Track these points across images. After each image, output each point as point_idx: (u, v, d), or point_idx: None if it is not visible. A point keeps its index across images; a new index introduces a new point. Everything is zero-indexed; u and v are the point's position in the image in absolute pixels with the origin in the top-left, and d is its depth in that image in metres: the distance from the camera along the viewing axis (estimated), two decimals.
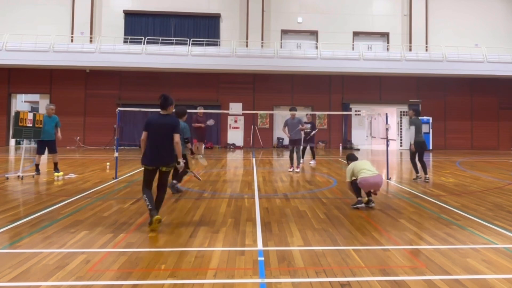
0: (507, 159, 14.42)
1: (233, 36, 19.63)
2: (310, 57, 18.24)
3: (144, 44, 17.74)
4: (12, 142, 18.39)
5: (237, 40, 19.45)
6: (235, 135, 19.48)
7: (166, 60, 17.49)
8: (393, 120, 19.72)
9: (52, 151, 8.95)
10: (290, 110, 10.06)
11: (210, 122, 13.03)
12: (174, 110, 6.88)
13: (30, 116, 8.36)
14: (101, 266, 3.37)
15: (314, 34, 20.44)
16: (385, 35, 20.68)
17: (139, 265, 3.42)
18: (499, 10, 20.75)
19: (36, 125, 8.53)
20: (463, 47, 19.13)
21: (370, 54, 18.68)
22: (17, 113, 8.15)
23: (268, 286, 3.01)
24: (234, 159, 13.79)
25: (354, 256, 3.68)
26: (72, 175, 8.76)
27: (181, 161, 4.80)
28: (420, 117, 8.84)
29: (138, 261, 3.51)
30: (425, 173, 8.58)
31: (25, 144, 9.60)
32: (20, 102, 23.61)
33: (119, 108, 8.43)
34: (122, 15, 19.57)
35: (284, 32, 20.34)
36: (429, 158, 14.45)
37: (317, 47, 19.12)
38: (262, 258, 3.59)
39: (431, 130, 18.84)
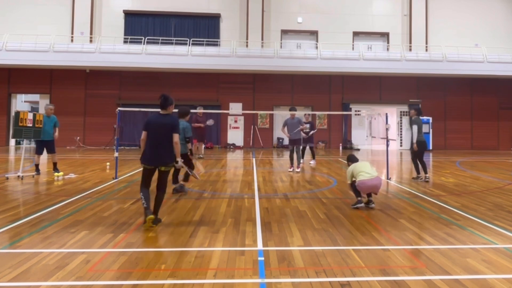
0: (507, 159, 14.42)
1: (233, 36, 19.63)
2: (310, 57, 18.23)
3: (144, 44, 17.74)
4: (12, 142, 18.38)
5: (237, 40, 19.45)
6: (235, 135, 19.48)
7: (166, 60, 17.49)
8: (393, 120, 19.72)
9: (51, 151, 8.95)
10: (290, 110, 10.06)
11: (210, 122, 13.04)
12: (177, 110, 6.94)
13: (30, 116, 8.36)
14: (101, 266, 3.37)
15: (314, 34, 20.44)
16: (385, 35, 20.68)
17: (139, 265, 3.42)
18: (499, 10, 20.75)
19: (36, 125, 8.54)
20: (463, 47, 19.13)
21: (370, 54, 18.68)
22: (17, 113, 8.15)
23: (268, 286, 3.01)
24: (234, 159, 13.79)
25: (354, 256, 3.68)
26: (72, 175, 8.76)
27: (180, 161, 4.82)
28: (420, 117, 8.85)
29: (138, 261, 3.51)
30: (425, 172, 8.59)
31: (25, 144, 9.60)
32: (20, 102, 23.61)
33: (119, 108, 8.43)
34: (122, 15, 19.57)
35: (284, 32, 20.34)
36: (429, 158, 14.45)
37: (317, 47, 19.12)
38: (262, 258, 3.59)
39: (431, 130, 18.84)
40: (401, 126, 19.96)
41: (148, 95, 18.35)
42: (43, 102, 18.51)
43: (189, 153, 6.75)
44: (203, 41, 19.05)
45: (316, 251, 3.82)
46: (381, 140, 22.62)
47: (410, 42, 20.00)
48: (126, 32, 19.38)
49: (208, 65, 17.77)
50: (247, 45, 19.28)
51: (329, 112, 16.51)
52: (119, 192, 6.92)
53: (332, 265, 3.44)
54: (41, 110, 17.89)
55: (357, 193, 5.76)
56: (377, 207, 5.83)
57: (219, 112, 17.96)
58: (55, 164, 8.96)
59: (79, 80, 18.74)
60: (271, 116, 19.72)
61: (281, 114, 18.63)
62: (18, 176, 8.17)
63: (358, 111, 19.71)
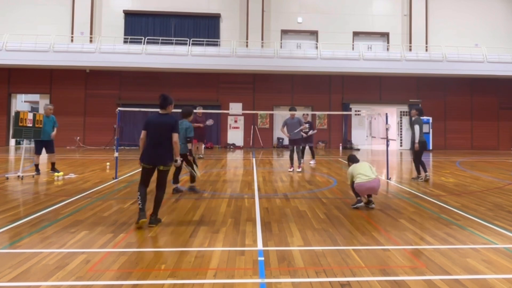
0: (507, 159, 14.42)
1: (233, 36, 19.63)
2: (310, 57, 18.23)
3: (144, 44, 17.74)
4: (12, 142, 18.38)
5: (237, 40, 19.45)
6: (235, 135, 19.48)
7: (166, 60, 17.49)
8: (393, 120, 19.73)
9: (50, 151, 8.96)
10: (290, 110, 10.06)
11: (209, 122, 13.03)
12: (180, 110, 6.96)
13: (30, 116, 8.36)
14: (101, 266, 3.37)
15: (314, 34, 20.44)
16: (385, 35, 20.68)
17: (139, 265, 3.42)
18: (499, 10, 20.75)
19: (36, 125, 8.54)
20: (463, 47, 19.13)
21: (370, 54, 18.68)
22: (17, 113, 8.15)
23: (268, 286, 3.01)
24: (234, 159, 13.79)
25: (354, 256, 3.68)
26: (72, 175, 8.76)
27: (179, 159, 4.84)
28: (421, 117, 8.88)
29: (138, 261, 3.51)
30: (425, 171, 8.59)
31: (25, 144, 9.60)
32: (20, 102, 23.60)
33: (119, 108, 8.43)
34: (122, 15, 19.57)
35: (284, 32, 20.34)
36: (429, 158, 14.45)
37: (317, 47, 19.12)
38: (262, 258, 3.59)
39: (431, 130, 18.85)
40: (401, 126, 19.97)
41: (148, 95, 18.35)
42: (43, 102, 18.50)
43: (188, 153, 6.75)
44: (203, 41, 19.05)
45: (316, 251, 3.82)
46: (381, 140, 22.62)
47: (410, 42, 20.00)
48: (126, 32, 19.38)
49: (208, 65, 17.77)
50: (247, 45, 19.28)
51: (329, 112, 16.49)
52: (119, 192, 6.92)
53: (332, 265, 3.44)
54: (41, 110, 17.88)
55: (357, 193, 5.77)
56: (377, 207, 5.83)
57: (219, 112, 17.96)
58: (53, 164, 8.97)
59: (79, 80, 18.74)
60: (271, 116, 19.72)
61: (281, 114, 18.63)
62: (18, 176, 8.17)
63: (358, 111, 19.71)
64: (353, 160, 6.19)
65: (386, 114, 9.62)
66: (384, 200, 6.40)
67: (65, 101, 18.25)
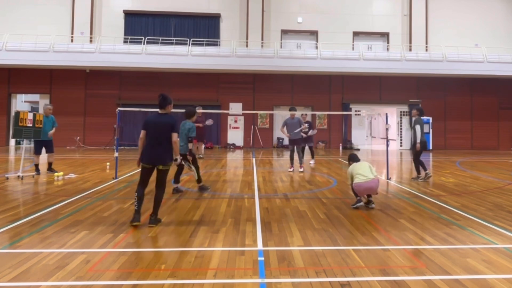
0: (507, 159, 14.42)
1: (233, 36, 19.63)
2: (310, 57, 18.23)
3: (144, 44, 17.74)
4: (12, 142, 18.38)
5: (237, 40, 19.45)
6: (235, 135, 19.48)
7: (166, 60, 17.48)
8: (393, 120, 19.73)
9: (49, 151, 8.96)
10: (290, 110, 10.06)
11: (209, 122, 13.04)
12: (183, 111, 6.96)
13: (30, 116, 8.37)
14: (101, 266, 3.37)
15: (314, 34, 20.44)
16: (385, 35, 20.68)
17: (139, 265, 3.42)
18: (499, 10, 20.75)
19: (36, 125, 8.54)
20: (463, 47, 19.13)
21: (370, 54, 18.68)
22: (17, 113, 8.15)
23: (268, 286, 3.01)
24: (234, 159, 13.79)
25: (354, 256, 3.68)
26: (72, 175, 8.76)
27: (178, 158, 4.85)
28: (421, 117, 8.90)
29: (138, 261, 3.51)
30: (425, 169, 8.60)
31: (25, 144, 9.60)
32: (20, 102, 23.60)
33: (119, 108, 8.43)
34: (122, 15, 19.57)
35: (284, 32, 20.34)
36: (429, 158, 14.45)
37: (317, 47, 19.12)
38: (262, 258, 3.59)
39: (431, 130, 18.85)
40: (401, 126, 19.97)
41: (148, 95, 18.34)
42: (43, 102, 18.49)
43: (187, 153, 6.76)
44: (203, 41, 19.05)
45: (316, 251, 3.82)
46: (381, 140, 22.62)
47: (410, 42, 20.00)
48: (126, 32, 19.38)
49: (208, 65, 17.77)
50: (247, 45, 19.27)
51: (329, 112, 16.51)
52: (119, 192, 6.92)
53: (332, 265, 3.44)
54: (41, 110, 17.88)
55: (356, 193, 5.77)
56: (377, 207, 5.83)
57: (219, 112, 17.96)
58: (50, 164, 8.97)
59: (79, 80, 18.74)
60: (271, 116, 19.72)
61: (281, 114, 18.63)
62: (18, 176, 8.17)
63: (358, 111, 19.71)
64: (353, 159, 6.19)
65: (386, 114, 9.62)
66: (384, 200, 6.40)
67: (65, 101, 18.25)
